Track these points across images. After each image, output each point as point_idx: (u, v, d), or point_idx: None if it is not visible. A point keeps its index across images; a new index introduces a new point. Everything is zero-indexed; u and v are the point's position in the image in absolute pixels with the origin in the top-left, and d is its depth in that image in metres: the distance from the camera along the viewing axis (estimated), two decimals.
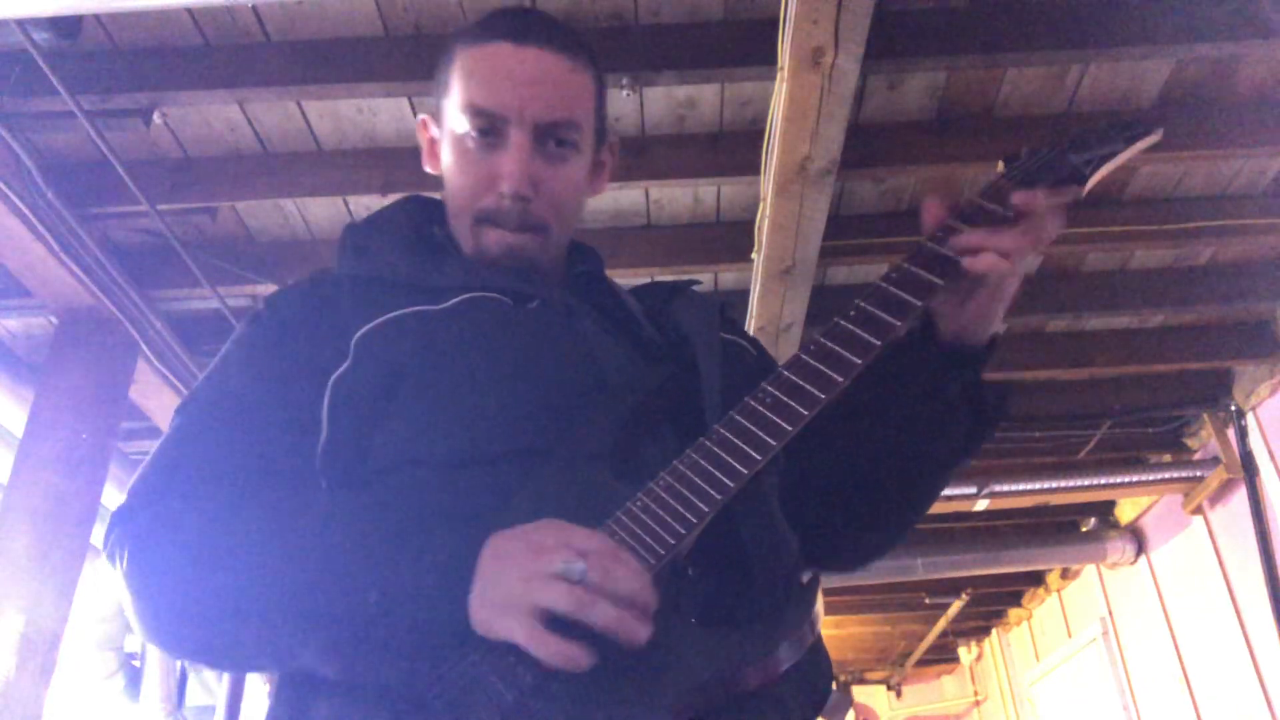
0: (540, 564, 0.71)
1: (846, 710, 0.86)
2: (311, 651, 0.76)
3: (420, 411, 0.86)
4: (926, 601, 5.83)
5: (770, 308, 2.79)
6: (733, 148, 2.60)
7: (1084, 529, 5.07)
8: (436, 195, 1.12)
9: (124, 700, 4.24)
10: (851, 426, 0.96)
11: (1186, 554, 4.40)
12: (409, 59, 2.33)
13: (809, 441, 0.85)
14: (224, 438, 0.87)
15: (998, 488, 4.00)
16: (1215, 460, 3.92)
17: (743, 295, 2.92)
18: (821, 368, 0.83)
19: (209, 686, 4.23)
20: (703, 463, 0.79)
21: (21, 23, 2.09)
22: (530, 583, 0.70)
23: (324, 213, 2.86)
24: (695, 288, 1.10)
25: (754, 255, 2.66)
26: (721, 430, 0.81)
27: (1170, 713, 4.55)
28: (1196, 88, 2.58)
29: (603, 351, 0.95)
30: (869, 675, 7.50)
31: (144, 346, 2.88)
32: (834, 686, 0.86)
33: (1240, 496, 3.87)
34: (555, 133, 0.99)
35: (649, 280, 1.21)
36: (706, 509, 0.76)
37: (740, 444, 0.80)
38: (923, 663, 7.22)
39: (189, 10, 2.24)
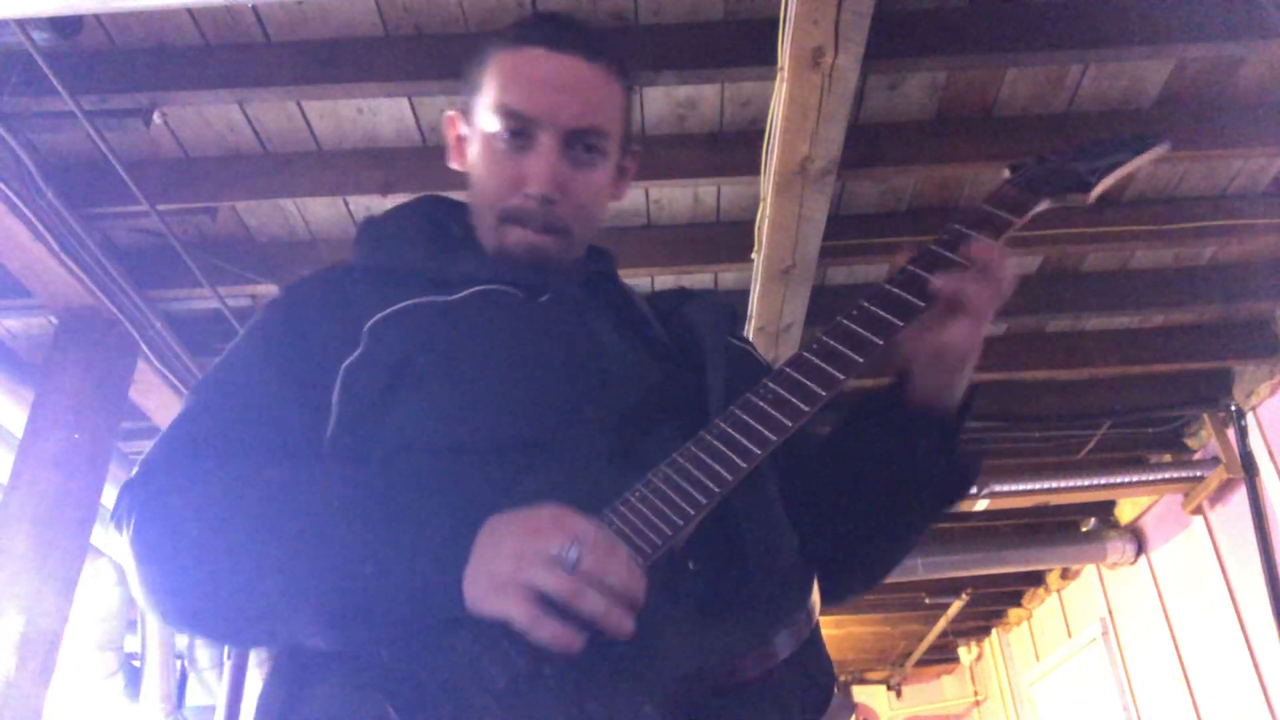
0: (536, 545, 0.72)
1: (849, 716, 0.86)
2: (306, 620, 0.76)
3: (425, 399, 0.87)
4: (926, 601, 5.83)
5: (770, 308, 2.79)
6: (733, 148, 2.60)
7: (1084, 529, 5.07)
8: (450, 194, 1.14)
9: (124, 700, 4.24)
10: (827, 474, 0.98)
11: (1186, 554, 4.40)
12: (409, 59, 2.33)
13: (790, 480, 0.86)
14: (234, 416, 0.89)
15: (998, 488, 4.00)
16: (1215, 460, 3.92)
17: (743, 295, 2.92)
18: (823, 365, 0.83)
19: (209, 686, 4.24)
20: (702, 456, 0.80)
21: (21, 23, 2.09)
22: (524, 562, 0.72)
23: (324, 213, 2.86)
24: (703, 293, 1.12)
25: (754, 255, 2.66)
26: (722, 424, 0.82)
27: (1170, 713, 4.55)
28: (1196, 88, 2.58)
29: (610, 347, 0.96)
30: (869, 675, 7.50)
31: (144, 346, 2.88)
32: (835, 690, 0.86)
33: (1240, 496, 3.87)
34: (584, 138, 1.01)
35: (649, 280, 1.22)
36: (704, 501, 0.77)
37: (740, 438, 0.80)
38: (923, 663, 7.22)
39: (189, 10, 2.24)
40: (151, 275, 2.92)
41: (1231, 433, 3.83)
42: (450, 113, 1.11)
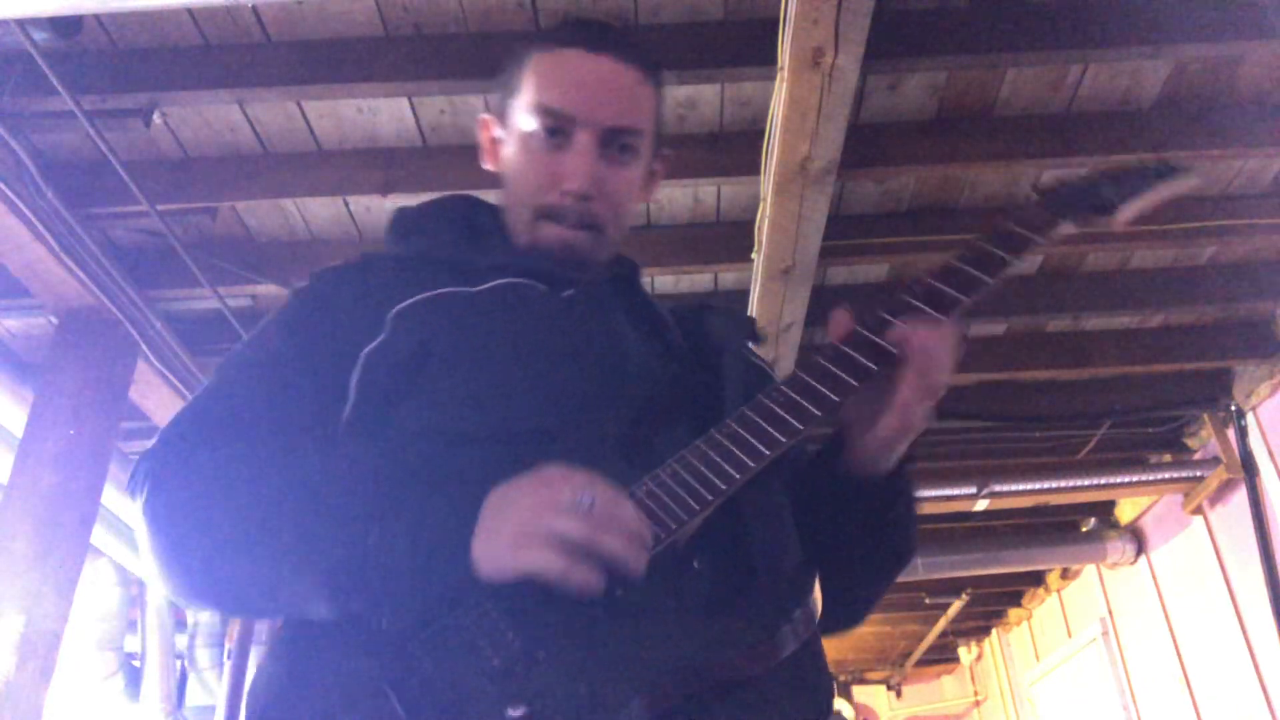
0: (551, 496, 0.74)
1: None
2: (310, 587, 0.77)
3: (440, 388, 0.89)
4: (926, 601, 5.83)
5: (770, 308, 2.79)
6: (733, 148, 2.60)
7: (1084, 529, 5.07)
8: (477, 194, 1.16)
9: (124, 700, 4.24)
10: (799, 502, 0.98)
11: (1186, 554, 4.40)
12: (409, 59, 2.33)
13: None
14: (254, 394, 0.91)
15: (998, 488, 4.00)
16: (1215, 460, 3.92)
17: (743, 295, 2.92)
18: (837, 370, 0.85)
19: (209, 686, 4.23)
20: (711, 454, 0.81)
21: (21, 23, 2.09)
22: (542, 512, 0.74)
23: (324, 213, 2.86)
24: (725, 308, 1.14)
25: (754, 255, 2.66)
26: (732, 424, 0.83)
27: (1170, 713, 4.55)
28: (1196, 88, 2.58)
29: (628, 345, 0.98)
30: (869, 675, 7.49)
31: (144, 346, 2.88)
32: (834, 710, 0.86)
33: (1240, 496, 3.87)
34: (620, 138, 1.03)
35: (649, 280, 1.23)
36: (711, 498, 0.78)
37: (750, 438, 0.81)
38: (923, 663, 7.22)
39: (189, 10, 2.24)
40: (151, 275, 2.92)
41: (1231, 433, 3.83)
42: (485, 116, 1.14)
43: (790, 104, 2.10)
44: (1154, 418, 4.01)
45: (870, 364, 0.84)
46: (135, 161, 2.58)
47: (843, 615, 1.01)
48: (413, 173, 2.61)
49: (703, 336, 1.04)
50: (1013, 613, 6.28)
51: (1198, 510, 4.22)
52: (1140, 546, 4.78)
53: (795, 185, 2.33)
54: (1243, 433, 3.79)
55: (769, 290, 2.72)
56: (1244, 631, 3.96)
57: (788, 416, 0.83)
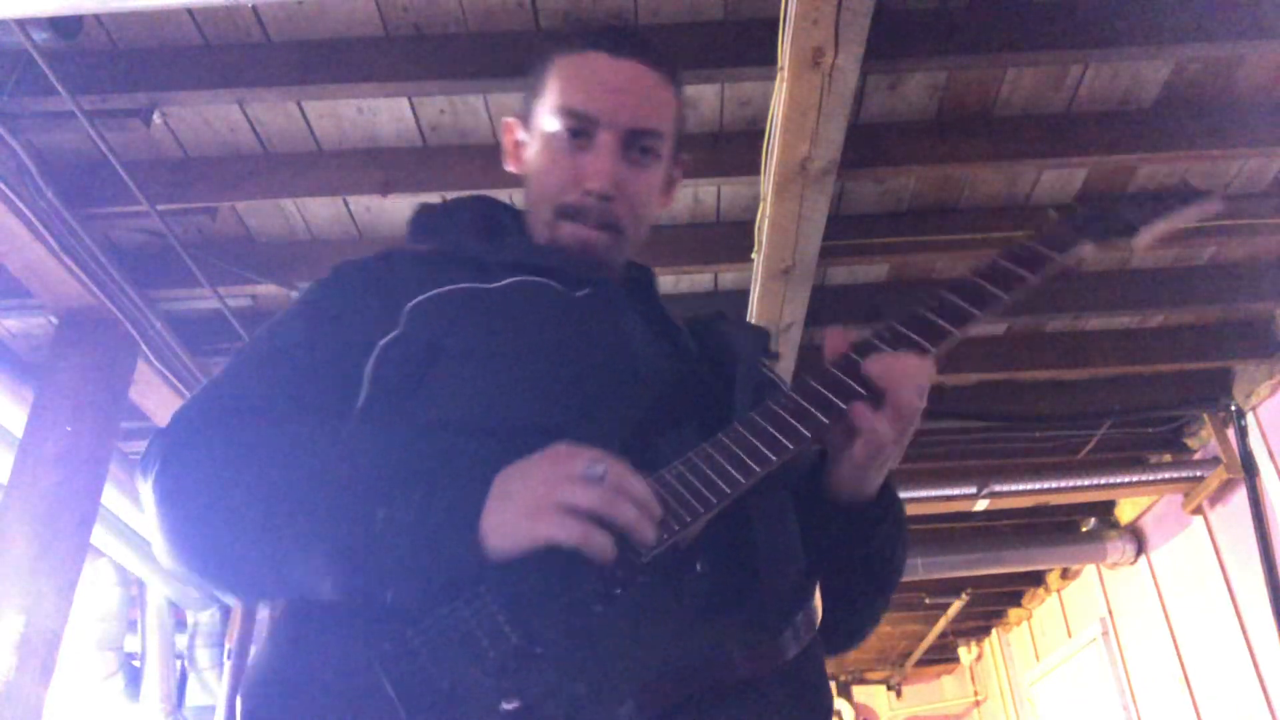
0: (563, 468, 0.76)
1: None
2: (316, 562, 0.78)
3: (452, 382, 0.90)
4: (926, 601, 5.83)
5: (770, 308, 2.79)
6: (733, 148, 2.60)
7: (1084, 529, 5.07)
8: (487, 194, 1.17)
9: (124, 700, 4.24)
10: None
11: (1186, 554, 4.40)
12: (409, 59, 2.33)
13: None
14: (269, 379, 0.92)
15: (998, 488, 4.00)
16: (1215, 460, 3.92)
17: (743, 295, 2.92)
18: (846, 379, 0.85)
19: (209, 686, 4.24)
20: (718, 457, 0.81)
21: (21, 23, 2.09)
22: (555, 484, 0.75)
23: (324, 213, 2.86)
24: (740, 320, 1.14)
25: (754, 255, 2.66)
26: (740, 429, 0.83)
27: (1170, 713, 4.55)
28: (1196, 88, 2.58)
29: (640, 346, 0.98)
30: (869, 675, 7.49)
31: (144, 346, 2.88)
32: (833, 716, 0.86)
33: (1240, 496, 3.87)
34: (641, 140, 1.05)
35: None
36: (716, 501, 0.78)
37: (757, 443, 0.81)
38: (923, 663, 7.21)
39: (189, 10, 2.24)
40: (151, 275, 2.92)
41: (1231, 433, 3.83)
42: (508, 119, 1.15)
43: (790, 104, 2.10)
44: (1154, 418, 4.01)
45: (860, 389, 0.84)
46: (135, 161, 2.58)
47: (840, 638, 1.01)
48: (412, 173, 2.61)
49: (717, 345, 1.05)
50: (1013, 613, 6.28)
51: (1198, 510, 4.22)
52: (1140, 546, 4.78)
53: (795, 185, 2.33)
54: (1243, 433, 3.79)
55: (769, 290, 2.72)
56: (1244, 631, 3.96)
57: (796, 423, 0.83)
